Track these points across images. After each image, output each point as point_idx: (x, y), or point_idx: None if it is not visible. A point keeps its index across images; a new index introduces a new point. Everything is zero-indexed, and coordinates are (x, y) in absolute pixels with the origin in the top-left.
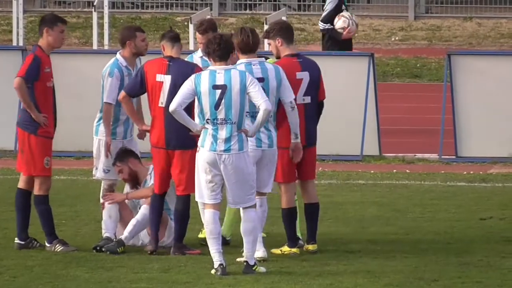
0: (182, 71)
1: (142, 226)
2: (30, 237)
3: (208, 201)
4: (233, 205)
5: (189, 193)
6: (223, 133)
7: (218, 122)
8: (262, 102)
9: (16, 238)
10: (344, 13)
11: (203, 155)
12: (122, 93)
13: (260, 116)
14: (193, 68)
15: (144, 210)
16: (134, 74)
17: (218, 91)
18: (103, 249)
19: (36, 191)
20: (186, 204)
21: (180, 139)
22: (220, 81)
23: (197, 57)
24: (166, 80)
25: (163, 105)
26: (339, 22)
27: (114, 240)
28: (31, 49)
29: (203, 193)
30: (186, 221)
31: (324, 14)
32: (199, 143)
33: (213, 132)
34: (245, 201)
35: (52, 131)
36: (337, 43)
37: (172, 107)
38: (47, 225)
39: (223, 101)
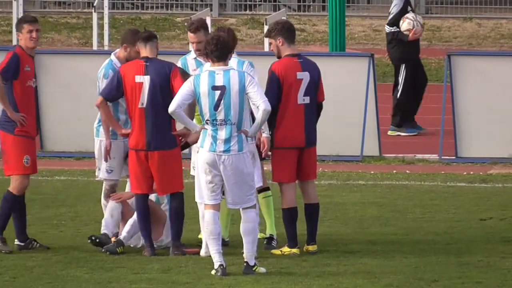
0: (159, 71)
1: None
2: (30, 237)
3: (208, 202)
4: (233, 205)
5: (180, 190)
6: (222, 134)
7: (217, 123)
8: (261, 103)
9: (15, 240)
10: (408, 14)
11: (202, 155)
12: (100, 98)
13: (259, 116)
14: (170, 68)
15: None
16: (110, 78)
17: (218, 92)
18: (103, 250)
19: (10, 188)
20: (181, 202)
21: (161, 140)
22: (219, 82)
23: (190, 59)
24: (145, 80)
25: (144, 106)
26: (404, 24)
27: (111, 236)
28: None
29: (203, 193)
30: (182, 219)
31: (389, 17)
32: (198, 144)
33: (212, 133)
34: (244, 201)
35: (32, 131)
36: (403, 46)
37: (171, 108)
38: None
39: (222, 102)
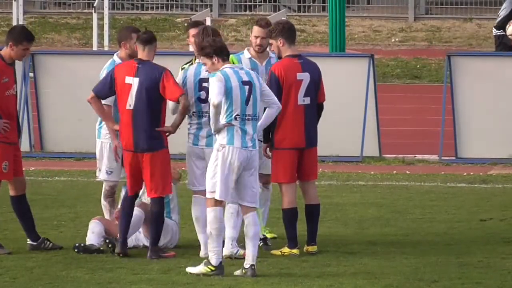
0: (149, 74)
1: (136, 227)
2: (43, 237)
3: (228, 199)
4: (251, 203)
5: (164, 195)
6: (250, 129)
7: (246, 117)
8: (275, 101)
9: (28, 240)
10: None
11: (234, 153)
12: (91, 93)
13: (271, 113)
14: (161, 72)
15: (136, 211)
16: (105, 75)
17: (247, 87)
18: (102, 238)
19: None
20: (161, 206)
21: (148, 142)
22: (245, 77)
23: (245, 58)
24: (134, 82)
25: (131, 108)
26: (509, 29)
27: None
28: (32, 50)
29: (228, 191)
30: (161, 224)
31: (497, 20)
32: (222, 142)
33: (241, 128)
34: (256, 198)
35: (13, 137)
36: (508, 49)
37: (217, 100)
38: None
39: (251, 96)
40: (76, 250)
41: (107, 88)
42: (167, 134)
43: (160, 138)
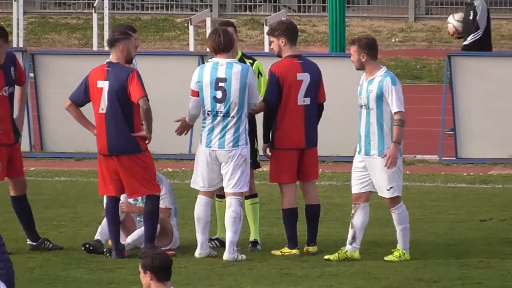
0: (117, 76)
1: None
2: (43, 237)
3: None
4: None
5: (153, 193)
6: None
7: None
8: None
9: (27, 240)
10: None
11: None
12: (68, 101)
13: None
14: (129, 73)
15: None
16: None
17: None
18: (104, 252)
19: None
20: (155, 205)
21: (122, 145)
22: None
23: None
24: (105, 86)
25: (104, 111)
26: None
27: (103, 243)
28: (32, 50)
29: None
30: (156, 221)
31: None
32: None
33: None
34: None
35: (8, 139)
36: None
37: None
38: None
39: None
40: (83, 249)
41: (83, 94)
42: (146, 142)
43: (134, 141)
